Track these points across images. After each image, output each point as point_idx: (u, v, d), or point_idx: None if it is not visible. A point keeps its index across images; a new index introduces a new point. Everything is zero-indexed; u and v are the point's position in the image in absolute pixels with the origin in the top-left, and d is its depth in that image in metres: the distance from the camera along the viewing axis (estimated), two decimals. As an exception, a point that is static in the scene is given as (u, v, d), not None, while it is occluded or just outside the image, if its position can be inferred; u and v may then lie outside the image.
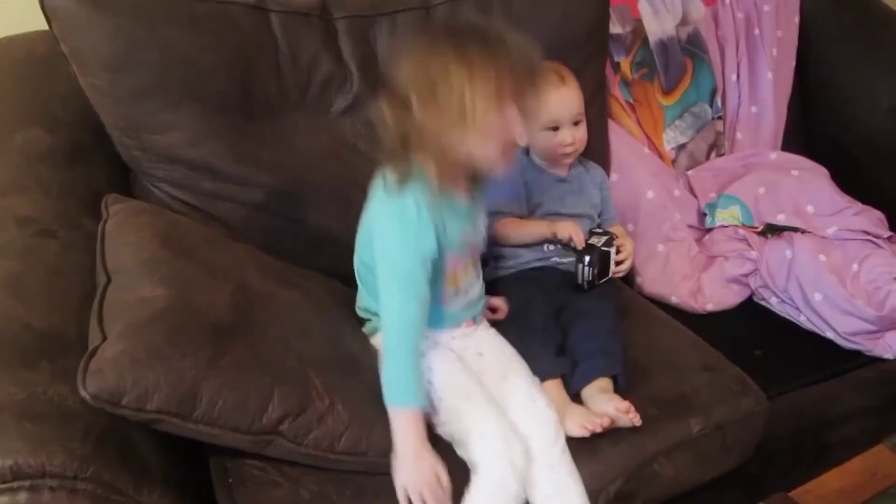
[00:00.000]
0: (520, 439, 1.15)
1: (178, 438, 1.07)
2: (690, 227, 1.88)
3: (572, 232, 1.44)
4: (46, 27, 1.32)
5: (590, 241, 1.46)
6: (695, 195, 1.93)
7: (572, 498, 1.17)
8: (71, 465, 0.88)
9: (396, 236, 1.14)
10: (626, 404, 1.25)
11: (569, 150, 1.52)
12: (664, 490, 1.31)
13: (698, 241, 1.87)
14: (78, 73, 1.32)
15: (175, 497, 1.01)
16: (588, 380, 1.32)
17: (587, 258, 1.44)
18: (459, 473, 1.13)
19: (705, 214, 1.90)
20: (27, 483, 0.86)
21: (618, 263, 1.50)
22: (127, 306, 1.03)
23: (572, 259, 1.47)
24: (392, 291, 1.14)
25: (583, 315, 1.42)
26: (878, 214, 1.82)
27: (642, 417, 1.27)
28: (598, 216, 1.60)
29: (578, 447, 1.22)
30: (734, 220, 1.85)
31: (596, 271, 1.44)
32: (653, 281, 1.75)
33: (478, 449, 1.13)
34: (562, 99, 1.49)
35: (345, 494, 1.12)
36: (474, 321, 1.32)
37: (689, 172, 1.96)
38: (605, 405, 1.26)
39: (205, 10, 1.38)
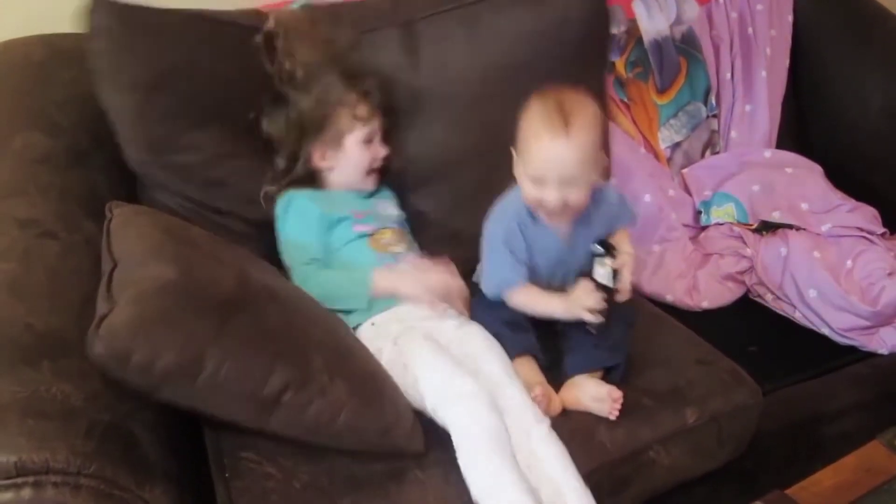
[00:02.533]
0: (489, 396, 1.18)
1: (179, 434, 1.09)
2: (686, 225, 1.89)
3: (585, 310, 1.28)
4: (44, 32, 1.34)
5: (598, 279, 1.30)
6: (690, 193, 1.95)
7: (556, 466, 1.17)
8: (74, 461, 0.89)
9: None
10: (619, 393, 1.26)
11: (551, 211, 1.29)
12: (659, 479, 1.33)
13: (693, 238, 1.88)
14: (107, 90, 1.36)
15: (176, 493, 1.02)
16: (587, 369, 1.33)
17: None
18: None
19: (700, 212, 1.91)
20: (31, 479, 0.87)
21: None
22: (135, 281, 1.04)
23: None
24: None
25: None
26: (871, 211, 1.83)
27: (637, 408, 1.29)
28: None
29: (574, 429, 1.24)
30: (729, 218, 1.86)
31: (604, 315, 1.30)
32: (648, 280, 1.76)
33: (446, 407, 1.17)
34: (552, 152, 1.24)
35: (336, 483, 1.13)
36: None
37: (684, 171, 1.97)
38: (598, 388, 1.27)
39: (232, 36, 1.45)
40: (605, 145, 1.76)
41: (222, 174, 1.45)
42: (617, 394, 1.26)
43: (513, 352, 1.31)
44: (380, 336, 1.32)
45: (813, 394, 1.55)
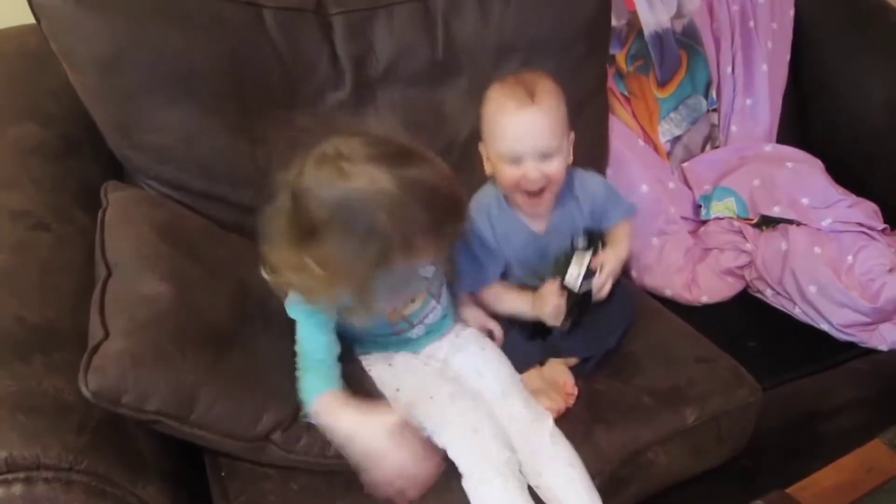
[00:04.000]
0: (495, 429, 1.15)
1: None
2: (685, 218, 1.89)
3: (552, 314, 1.28)
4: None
5: (566, 283, 1.27)
6: (690, 187, 1.94)
7: (560, 480, 1.16)
8: (66, 457, 0.88)
9: None
10: (574, 390, 1.27)
11: (533, 187, 1.26)
12: (659, 479, 1.32)
13: (693, 233, 1.87)
14: (69, 71, 1.31)
15: (170, 490, 1.01)
16: (562, 356, 1.34)
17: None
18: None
19: (700, 206, 1.90)
20: (22, 475, 0.86)
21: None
22: (129, 302, 1.04)
23: None
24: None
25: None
26: (872, 206, 1.82)
27: (637, 407, 1.29)
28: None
29: (572, 431, 1.22)
30: (729, 213, 1.85)
31: (576, 314, 1.30)
32: (647, 273, 1.75)
33: (452, 451, 1.12)
34: (521, 127, 1.22)
35: (334, 487, 1.12)
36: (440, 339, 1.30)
37: (684, 164, 1.96)
38: (562, 374, 1.29)
39: (196, 7, 1.35)
40: (604, 137, 1.79)
41: (199, 155, 1.37)
42: (572, 388, 1.26)
43: (524, 366, 1.31)
44: (371, 353, 1.27)
45: (812, 390, 1.54)
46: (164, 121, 1.34)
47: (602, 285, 1.31)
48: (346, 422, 1.06)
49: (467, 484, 1.10)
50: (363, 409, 1.07)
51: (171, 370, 0.99)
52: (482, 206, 1.33)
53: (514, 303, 1.33)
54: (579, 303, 1.29)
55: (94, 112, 1.34)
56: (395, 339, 1.25)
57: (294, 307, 1.13)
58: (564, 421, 1.24)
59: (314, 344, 1.13)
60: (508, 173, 1.25)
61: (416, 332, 1.26)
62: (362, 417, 1.06)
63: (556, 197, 1.31)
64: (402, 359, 1.25)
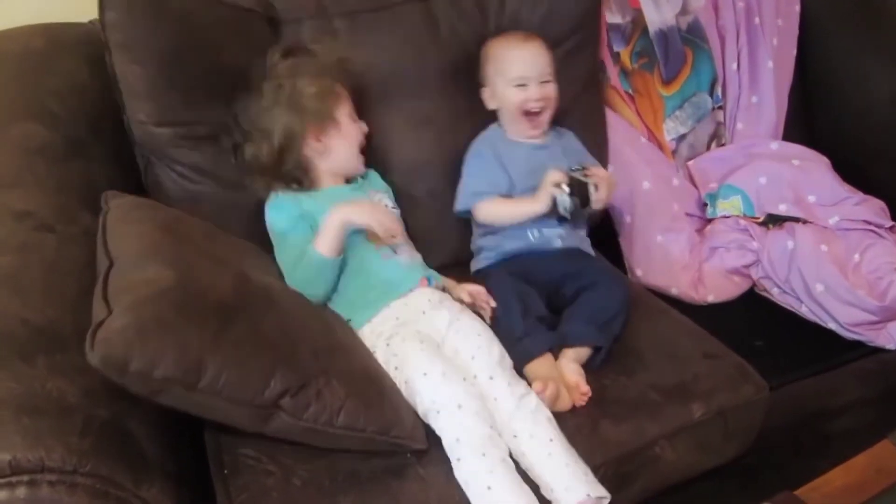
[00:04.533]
0: (479, 407, 1.18)
1: (176, 431, 1.08)
2: (690, 215, 1.88)
3: (554, 179, 1.48)
4: (43, 21, 1.32)
5: (570, 170, 1.49)
6: (695, 185, 1.93)
7: (541, 456, 1.18)
8: (70, 459, 0.89)
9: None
10: (587, 389, 1.30)
11: (536, 106, 1.55)
12: (665, 474, 1.32)
13: (699, 231, 1.86)
14: (120, 61, 1.36)
15: (173, 490, 1.01)
16: (572, 344, 1.37)
17: (566, 188, 1.47)
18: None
19: (706, 205, 1.89)
20: (26, 478, 0.86)
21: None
22: (132, 285, 1.03)
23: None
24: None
25: (595, 286, 1.47)
26: (879, 204, 1.81)
27: (644, 402, 1.30)
28: None
29: (580, 424, 1.24)
30: (735, 211, 1.85)
31: (577, 200, 1.47)
32: (652, 272, 1.74)
33: (438, 424, 1.18)
34: (526, 54, 1.55)
35: (337, 480, 1.13)
36: (429, 282, 1.43)
37: (690, 163, 1.95)
38: (575, 375, 1.32)
39: (243, 19, 1.48)
40: (601, 129, 1.82)
41: (229, 146, 1.45)
42: (585, 388, 1.30)
43: (535, 352, 1.34)
44: (373, 335, 1.33)
45: (819, 389, 1.53)
46: (202, 117, 1.43)
47: (603, 190, 1.49)
48: (335, 219, 1.33)
49: (452, 458, 1.15)
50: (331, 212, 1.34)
51: (178, 337, 0.98)
52: (487, 138, 1.61)
53: (518, 204, 1.53)
54: (581, 194, 1.47)
55: (138, 103, 1.38)
56: (385, 268, 1.41)
57: (277, 209, 1.42)
58: (571, 415, 1.25)
59: (303, 242, 1.35)
60: (516, 96, 1.55)
61: (403, 260, 1.44)
62: (341, 207, 1.34)
63: (548, 124, 1.61)
64: (399, 338, 1.29)
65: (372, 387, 1.18)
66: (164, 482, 0.99)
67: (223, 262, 1.20)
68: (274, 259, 1.39)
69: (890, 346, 1.58)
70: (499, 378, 1.25)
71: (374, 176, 1.58)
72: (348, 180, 1.52)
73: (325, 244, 1.32)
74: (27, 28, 1.50)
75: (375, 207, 1.42)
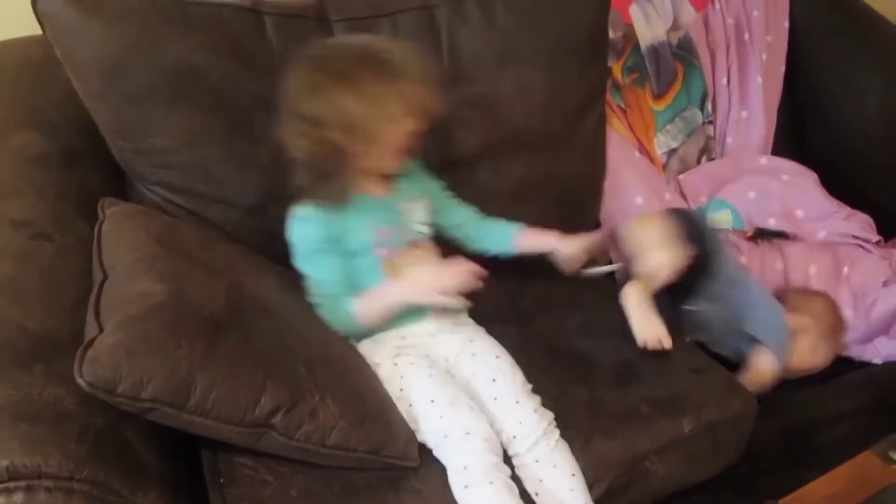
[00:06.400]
0: (487, 433, 1.17)
1: (173, 439, 1.08)
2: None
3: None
4: (41, 31, 1.32)
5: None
6: (686, 199, 1.95)
7: (563, 489, 1.19)
8: (67, 465, 0.89)
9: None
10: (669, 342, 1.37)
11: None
12: (656, 488, 1.33)
13: (689, 245, 1.88)
14: (72, 76, 1.32)
15: (170, 498, 1.01)
16: None
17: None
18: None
19: (696, 219, 1.91)
20: (23, 484, 0.86)
21: None
22: (124, 300, 1.04)
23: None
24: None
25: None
26: (866, 218, 1.84)
27: (635, 416, 1.30)
28: None
29: (572, 439, 1.24)
30: (725, 225, 1.86)
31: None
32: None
33: (441, 451, 1.17)
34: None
35: (333, 491, 1.12)
36: (444, 310, 1.32)
37: (680, 177, 1.97)
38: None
39: (197, 12, 1.36)
40: (602, 146, 1.79)
41: (200, 158, 1.37)
42: (668, 342, 1.37)
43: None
44: (378, 352, 1.30)
45: (807, 402, 1.55)
46: (165, 124, 1.35)
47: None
48: (392, 295, 1.26)
49: (457, 484, 1.14)
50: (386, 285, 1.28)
51: (166, 357, 0.98)
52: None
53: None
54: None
55: (98, 117, 1.34)
56: None
57: (302, 225, 1.29)
58: (563, 428, 1.25)
59: (330, 266, 1.28)
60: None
61: None
62: (398, 283, 1.27)
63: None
64: (407, 359, 1.27)
65: (366, 404, 1.17)
66: (160, 489, 1.00)
67: (216, 273, 1.20)
68: (272, 261, 1.36)
69: (877, 361, 1.61)
70: (525, 403, 1.23)
71: (415, 176, 1.41)
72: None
73: (370, 313, 1.26)
74: (25, 39, 1.50)
75: (440, 275, 1.26)
